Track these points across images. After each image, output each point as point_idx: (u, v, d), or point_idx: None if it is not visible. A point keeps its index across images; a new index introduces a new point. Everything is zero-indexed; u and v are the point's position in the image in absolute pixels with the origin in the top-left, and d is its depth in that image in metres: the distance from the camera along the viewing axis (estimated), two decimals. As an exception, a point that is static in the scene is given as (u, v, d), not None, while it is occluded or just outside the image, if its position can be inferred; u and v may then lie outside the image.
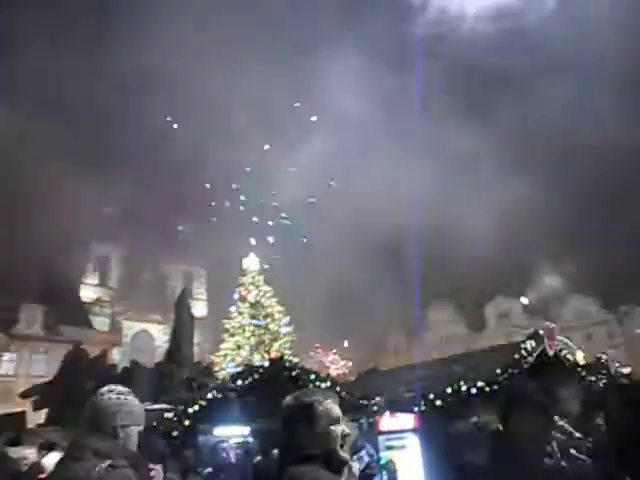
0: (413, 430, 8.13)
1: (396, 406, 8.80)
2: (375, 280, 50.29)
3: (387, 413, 8.45)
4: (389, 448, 8.30)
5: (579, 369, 10.83)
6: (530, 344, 9.63)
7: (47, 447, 6.43)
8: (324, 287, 49.36)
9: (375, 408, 8.62)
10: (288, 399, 2.08)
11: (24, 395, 18.44)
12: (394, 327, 56.90)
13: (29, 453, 7.70)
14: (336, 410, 2.07)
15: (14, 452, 10.00)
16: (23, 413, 11.18)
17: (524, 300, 52.38)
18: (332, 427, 1.99)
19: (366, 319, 49.96)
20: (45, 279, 46.78)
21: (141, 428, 2.25)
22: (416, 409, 8.53)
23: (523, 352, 9.23)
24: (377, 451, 8.05)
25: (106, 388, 2.26)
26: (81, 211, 56.07)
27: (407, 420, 8.45)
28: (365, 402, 8.71)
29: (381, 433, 8.38)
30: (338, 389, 9.28)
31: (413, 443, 8.07)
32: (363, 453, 6.84)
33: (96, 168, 57.25)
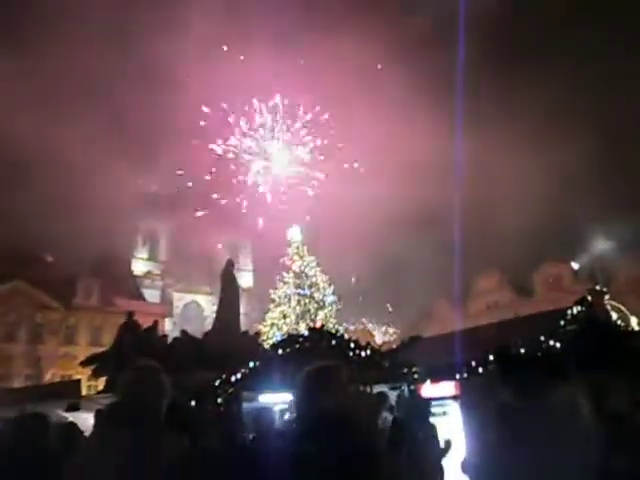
0: (454, 397, 8.14)
1: (438, 374, 8.80)
2: (421, 248, 49.90)
3: (428, 381, 8.47)
4: (431, 415, 8.35)
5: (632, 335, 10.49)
6: (577, 309, 9.37)
7: (100, 412, 6.76)
8: (369, 256, 49.42)
9: (416, 376, 8.65)
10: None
11: (84, 363, 19.39)
12: (440, 295, 56.51)
13: (89, 418, 8.18)
14: None
15: (74, 417, 10.64)
16: (79, 381, 11.83)
17: (574, 265, 50.77)
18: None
19: (412, 287, 49.85)
20: (99, 253, 48.73)
21: (167, 401, 2.33)
22: (458, 376, 8.51)
23: (569, 318, 9.01)
24: (419, 417, 8.10)
25: (139, 364, 2.35)
26: (130, 187, 57.75)
27: (448, 387, 8.46)
28: (406, 370, 8.75)
29: (423, 400, 8.42)
30: (379, 357, 9.35)
31: (454, 410, 8.08)
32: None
33: (143, 145, 58.61)
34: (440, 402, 8.44)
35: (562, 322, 9.02)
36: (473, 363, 8.59)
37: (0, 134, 37.74)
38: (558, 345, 8.20)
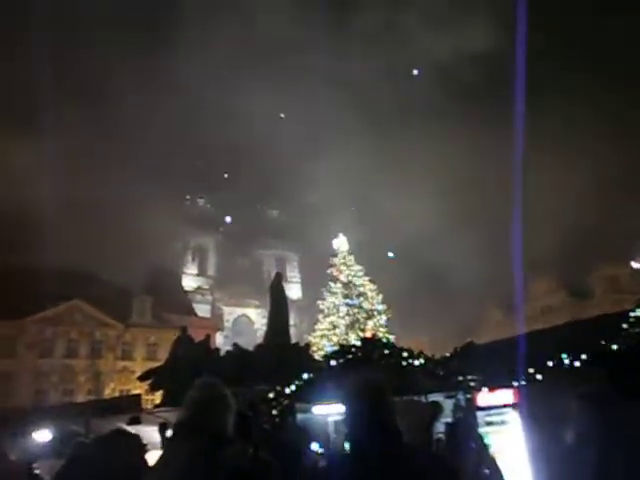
0: (513, 405, 7.91)
1: (494, 381, 8.58)
2: (467, 252, 49.02)
3: (485, 389, 8.28)
4: (489, 424, 8.15)
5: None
6: (640, 312, 8.94)
7: (164, 426, 6.94)
8: (418, 263, 48.88)
9: (472, 384, 8.46)
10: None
11: (141, 378, 19.94)
12: (492, 300, 55.16)
13: (147, 431, 8.42)
14: None
15: (135, 430, 10.96)
16: (139, 395, 12.18)
17: (635, 264, 48.56)
18: None
19: (462, 292, 48.92)
20: (151, 271, 50.24)
21: (233, 416, 2.40)
22: (515, 384, 8.26)
23: (632, 320, 8.61)
24: (476, 427, 7.93)
25: (203, 380, 2.45)
26: (177, 205, 59.52)
27: (506, 395, 8.22)
28: (461, 378, 8.57)
29: (479, 409, 8.24)
30: (433, 366, 9.22)
31: (514, 419, 7.86)
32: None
33: (186, 160, 60.39)
34: (498, 411, 8.23)
35: (624, 325, 8.63)
36: (531, 370, 8.33)
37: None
38: (621, 349, 7.87)
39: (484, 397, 8.37)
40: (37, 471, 6.59)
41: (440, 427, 7.62)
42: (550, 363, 8.34)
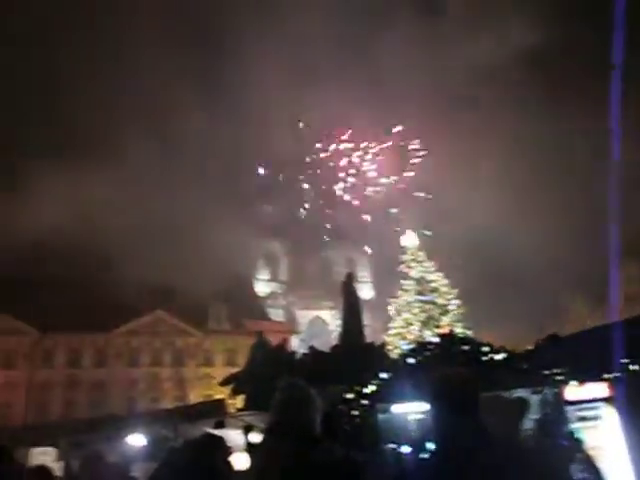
0: (607, 399, 7.45)
1: (584, 374, 8.12)
2: (546, 240, 46.96)
3: (573, 382, 7.85)
4: (581, 419, 7.72)
5: None
6: None
7: (248, 429, 7.11)
8: (491, 254, 47.41)
9: (559, 377, 8.04)
10: None
11: (222, 383, 20.56)
12: (573, 290, 52.46)
13: (231, 434, 8.65)
14: None
15: (221, 433, 11.30)
16: (223, 400, 12.55)
17: None
18: None
19: (539, 283, 46.88)
20: (224, 281, 51.80)
21: (319, 415, 2.41)
22: (608, 376, 7.77)
23: None
24: (565, 422, 7.55)
25: (288, 381, 2.49)
26: (245, 214, 61.06)
27: (598, 389, 7.76)
28: (547, 372, 8.17)
29: (569, 403, 7.83)
30: (516, 360, 8.86)
31: (609, 414, 7.40)
32: None
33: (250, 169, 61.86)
34: (590, 405, 7.79)
35: None
36: (625, 360, 7.81)
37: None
38: None
39: (573, 391, 7.94)
40: (134, 474, 6.91)
41: (527, 424, 7.30)
42: (645, 352, 7.79)
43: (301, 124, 59.67)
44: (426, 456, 2.19)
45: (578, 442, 6.82)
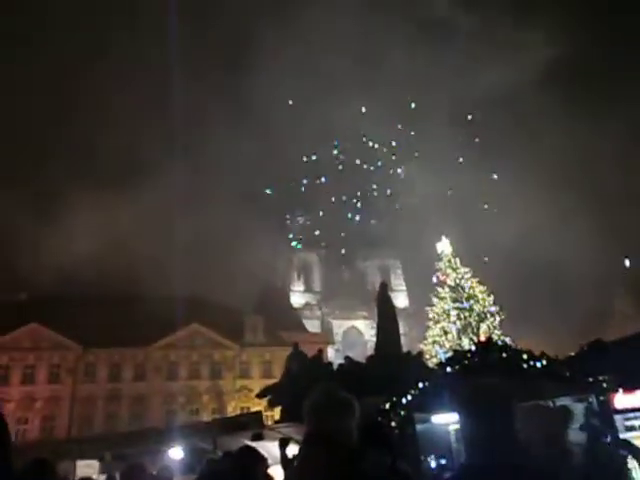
0: (657, 407, 7.15)
1: (632, 381, 7.81)
2: (594, 244, 45.72)
3: (620, 389, 7.56)
4: (629, 429, 7.42)
5: None
6: None
7: (285, 442, 7.06)
8: (528, 258, 46.42)
9: (605, 385, 7.75)
10: None
11: (259, 395, 20.59)
12: (621, 293, 50.70)
13: (269, 446, 8.64)
14: None
15: (259, 446, 11.32)
16: (260, 412, 12.56)
17: None
18: None
19: (580, 287, 45.57)
20: (260, 293, 52.18)
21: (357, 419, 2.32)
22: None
23: None
24: (615, 432, 7.24)
25: (323, 387, 2.38)
26: (278, 226, 61.57)
27: (648, 396, 7.45)
28: (592, 379, 7.89)
29: (617, 412, 7.53)
30: (558, 367, 8.59)
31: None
32: None
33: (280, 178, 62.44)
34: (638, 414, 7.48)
35: None
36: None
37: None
38: None
39: (621, 399, 7.64)
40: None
41: (572, 435, 7.01)
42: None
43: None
44: (461, 470, 2.12)
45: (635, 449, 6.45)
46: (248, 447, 3.53)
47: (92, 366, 40.57)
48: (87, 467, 11.47)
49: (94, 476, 10.35)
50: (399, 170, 64.37)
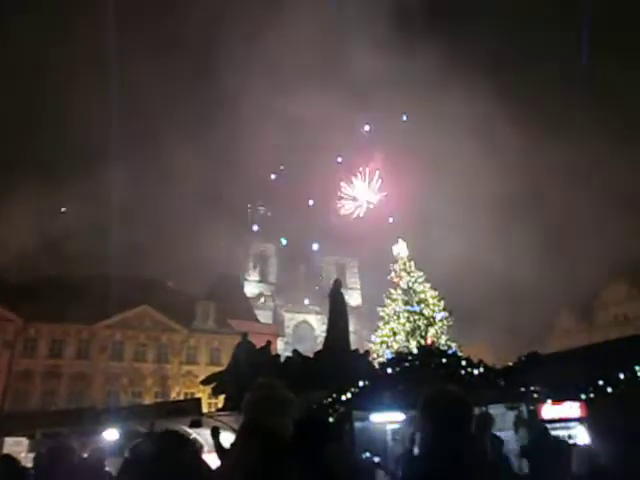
0: (580, 419, 7.51)
1: (560, 393, 8.18)
2: (540, 260, 47.36)
3: (549, 400, 7.91)
4: (554, 438, 7.77)
5: None
6: None
7: (216, 430, 7.01)
8: (484, 270, 47.71)
9: (535, 395, 8.09)
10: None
11: (204, 382, 20.45)
12: (563, 308, 52.79)
13: (207, 434, 8.61)
14: None
15: (198, 433, 11.25)
16: (199, 399, 12.49)
17: None
18: None
19: (532, 298, 47.21)
20: (214, 279, 51.69)
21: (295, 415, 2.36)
22: (583, 396, 7.83)
23: None
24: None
25: (263, 382, 2.42)
26: (239, 214, 61.11)
27: (573, 408, 7.82)
28: (524, 389, 8.22)
29: (544, 422, 7.87)
30: (494, 375, 8.90)
31: (581, 434, 7.45)
32: None
33: (245, 171, 61.91)
34: (564, 424, 7.84)
35: None
36: (600, 382, 7.87)
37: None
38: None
39: (549, 409, 8.00)
40: (107, 468, 6.90)
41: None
42: (622, 375, 7.86)
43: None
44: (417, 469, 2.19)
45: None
46: (170, 431, 3.50)
47: (32, 341, 39.23)
48: (16, 445, 11.13)
49: (22, 454, 10.03)
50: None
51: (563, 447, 6.16)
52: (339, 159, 65.54)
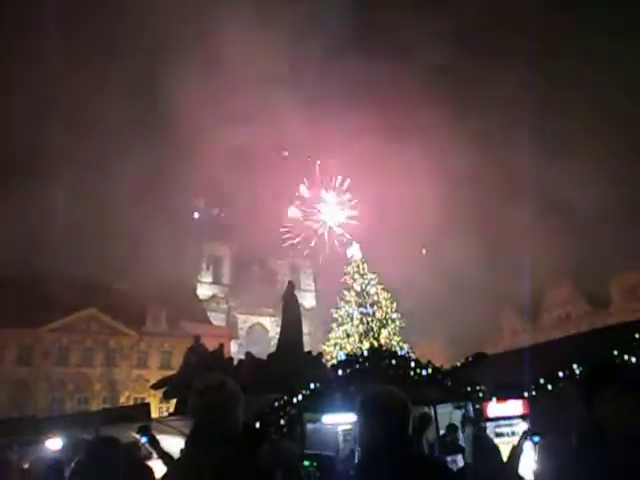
0: (522, 417, 7.81)
1: (504, 392, 8.47)
2: (488, 263, 48.77)
3: (494, 399, 8.18)
4: (498, 435, 8.04)
5: None
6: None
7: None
8: (433, 272, 48.72)
9: (481, 394, 8.36)
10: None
11: (154, 386, 20.02)
12: (509, 309, 54.57)
13: (160, 439, 8.42)
14: None
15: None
16: (148, 404, 12.19)
17: (655, 273, 47.55)
18: None
19: (478, 302, 48.53)
20: (166, 280, 50.65)
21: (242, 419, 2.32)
22: (526, 394, 8.15)
23: (645, 331, 8.43)
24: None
25: (207, 380, 2.35)
26: (192, 215, 60.20)
27: (516, 406, 8.12)
28: (470, 388, 8.48)
29: (489, 420, 8.14)
30: (441, 376, 9.13)
31: (523, 430, 7.74)
32: None
33: (200, 170, 61.13)
34: (508, 422, 8.12)
35: (638, 335, 8.45)
36: (542, 380, 8.20)
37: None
38: (634, 360, 7.70)
39: (494, 408, 8.27)
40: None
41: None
42: (560, 374, 8.21)
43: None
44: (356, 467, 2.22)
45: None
46: (101, 437, 3.43)
47: (-29, 346, 37.48)
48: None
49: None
50: None
51: (491, 446, 6.50)
52: (285, 153, 65.50)
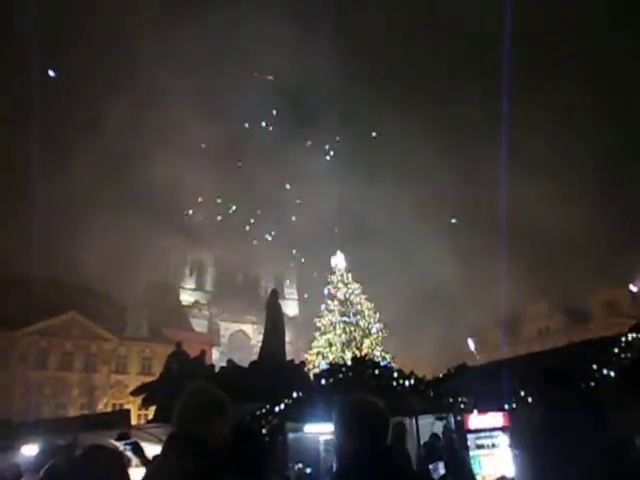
0: (503, 428, 7.88)
1: (485, 404, 8.54)
2: (470, 276, 49.19)
3: (475, 411, 8.24)
4: (479, 447, 8.09)
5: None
6: (632, 336, 8.90)
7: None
8: (416, 285, 49.02)
9: (462, 406, 8.41)
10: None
11: (134, 393, 19.77)
12: (490, 322, 55.03)
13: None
14: None
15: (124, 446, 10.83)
16: (128, 411, 12.08)
17: (633, 288, 48.38)
18: None
19: (460, 314, 48.88)
20: (147, 286, 50.18)
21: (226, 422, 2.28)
22: (506, 407, 8.22)
23: (623, 345, 8.57)
24: (467, 449, 7.88)
25: (192, 386, 2.33)
26: (175, 220, 59.82)
27: (497, 418, 8.18)
28: (452, 399, 8.52)
29: (470, 431, 8.19)
30: (423, 386, 9.17)
31: (504, 442, 7.80)
32: None
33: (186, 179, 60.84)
34: (489, 433, 8.18)
35: (616, 349, 8.59)
36: (522, 392, 8.28)
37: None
38: (612, 374, 7.81)
39: (475, 419, 8.32)
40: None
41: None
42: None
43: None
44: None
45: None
46: (96, 446, 3.37)
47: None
48: None
49: None
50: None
51: (461, 457, 6.60)
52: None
